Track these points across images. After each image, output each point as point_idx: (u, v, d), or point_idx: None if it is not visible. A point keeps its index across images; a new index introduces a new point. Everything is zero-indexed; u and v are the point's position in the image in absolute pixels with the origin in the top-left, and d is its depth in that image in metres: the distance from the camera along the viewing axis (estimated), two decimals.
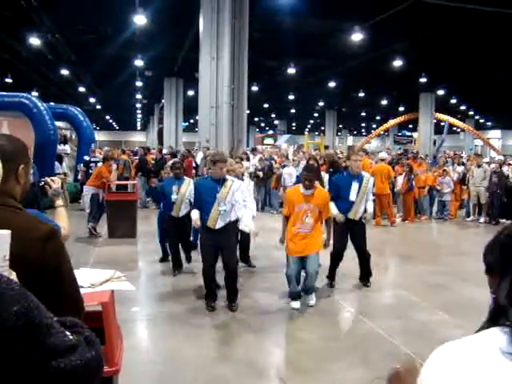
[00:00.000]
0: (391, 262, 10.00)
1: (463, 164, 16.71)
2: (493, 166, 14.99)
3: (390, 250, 10.67)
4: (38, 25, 18.83)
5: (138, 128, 70.19)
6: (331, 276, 7.57)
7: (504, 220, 13.81)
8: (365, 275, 7.64)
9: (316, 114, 53.53)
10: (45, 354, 1.06)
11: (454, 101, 38.83)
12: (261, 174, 15.59)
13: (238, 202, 6.45)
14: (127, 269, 7.16)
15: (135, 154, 22.18)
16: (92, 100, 41.96)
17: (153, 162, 17.55)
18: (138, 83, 32.05)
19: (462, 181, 15.40)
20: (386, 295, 7.54)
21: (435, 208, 15.55)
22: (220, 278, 6.73)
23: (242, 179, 8.09)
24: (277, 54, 23.34)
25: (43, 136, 14.39)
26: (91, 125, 21.64)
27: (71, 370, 1.10)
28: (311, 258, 6.36)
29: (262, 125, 65.75)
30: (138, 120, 63.64)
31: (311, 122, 62.69)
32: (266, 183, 16.06)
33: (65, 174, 16.08)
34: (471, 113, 48.38)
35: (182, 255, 8.48)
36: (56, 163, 15.66)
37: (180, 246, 8.40)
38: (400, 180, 14.49)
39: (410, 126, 47.85)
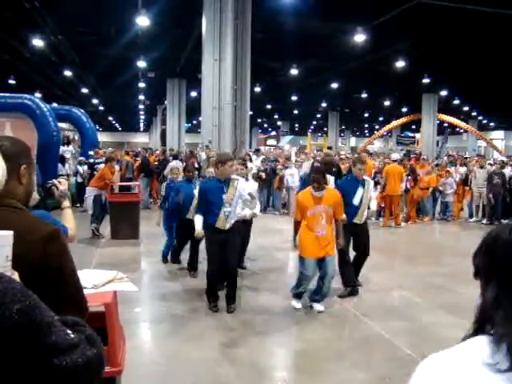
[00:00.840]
0: (393, 262, 9.99)
1: (466, 165, 16.69)
2: (493, 167, 15.00)
3: (393, 251, 10.66)
4: (41, 26, 18.86)
5: (141, 129, 70.19)
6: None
7: (506, 221, 13.78)
8: (356, 275, 7.62)
9: (319, 115, 53.47)
10: (46, 352, 1.07)
11: (456, 101, 38.77)
12: (263, 175, 15.60)
13: (244, 197, 6.48)
14: (130, 270, 7.17)
15: (136, 155, 22.22)
16: (95, 101, 42.01)
17: (156, 163, 17.58)
18: (141, 84, 32.05)
19: (465, 182, 15.39)
20: (388, 296, 7.53)
21: (438, 209, 15.54)
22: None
23: (247, 180, 8.09)
24: (279, 55, 23.35)
25: (46, 137, 14.41)
26: (94, 126, 21.66)
27: (73, 367, 1.11)
28: (330, 261, 6.30)
29: (265, 126, 65.75)
30: (141, 121, 63.65)
31: (314, 122, 62.66)
32: (269, 184, 16.07)
33: (67, 175, 16.09)
34: (474, 113, 48.27)
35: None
36: (59, 165, 15.69)
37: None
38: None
39: (413, 126, 47.78)
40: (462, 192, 15.49)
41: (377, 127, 57.01)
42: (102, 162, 13.80)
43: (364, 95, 36.17)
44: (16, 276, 1.28)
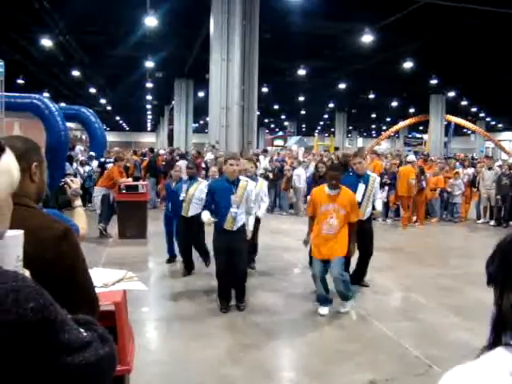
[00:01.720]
0: (401, 263, 9.96)
1: (473, 166, 16.64)
2: (498, 168, 14.95)
3: (400, 252, 10.63)
4: (50, 26, 18.95)
5: (149, 129, 70.37)
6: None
7: None
8: (360, 275, 7.60)
9: (326, 116, 53.46)
10: (60, 350, 1.08)
11: (464, 102, 38.67)
12: (271, 175, 15.61)
13: (252, 201, 6.47)
14: (137, 269, 7.18)
15: (144, 155, 22.27)
16: (103, 101, 42.14)
17: (163, 163, 17.63)
18: (149, 84, 32.14)
19: (472, 183, 15.34)
20: (395, 297, 7.53)
21: (445, 210, 15.51)
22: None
23: (256, 179, 8.09)
24: (287, 55, 23.37)
25: (55, 137, 14.46)
26: (103, 126, 21.72)
27: (86, 365, 1.12)
28: (335, 263, 6.15)
29: (272, 126, 65.75)
30: (149, 121, 63.80)
31: (321, 123, 62.63)
32: (276, 185, 16.08)
33: (74, 175, 16.14)
34: (482, 115, 48.15)
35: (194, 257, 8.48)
36: (66, 164, 15.74)
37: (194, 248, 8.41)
38: (412, 182, 14.53)
39: (421, 127, 47.68)
40: (469, 193, 15.44)
41: (384, 128, 56.90)
42: (111, 162, 13.84)
43: (371, 96, 36.15)
44: (27, 274, 1.29)
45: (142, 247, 10.45)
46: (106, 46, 22.24)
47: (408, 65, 24.16)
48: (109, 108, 46.61)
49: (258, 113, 19.34)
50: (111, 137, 53.88)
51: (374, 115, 51.71)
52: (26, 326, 1.02)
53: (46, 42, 20.54)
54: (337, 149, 30.83)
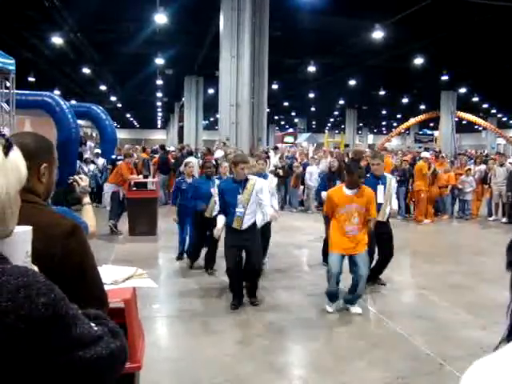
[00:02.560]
0: (412, 261, 9.93)
1: (485, 162, 16.51)
2: (510, 165, 14.83)
3: (411, 249, 10.58)
4: (61, 24, 19.03)
5: (159, 126, 70.54)
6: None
7: None
8: (377, 273, 7.54)
9: (336, 112, 53.35)
10: (71, 344, 1.08)
11: (475, 99, 38.41)
12: (281, 172, 15.58)
13: (263, 201, 6.44)
14: (148, 266, 7.19)
15: (154, 152, 22.30)
16: (113, 98, 42.28)
17: (173, 160, 17.67)
18: (159, 81, 32.17)
19: (484, 180, 15.23)
20: (406, 294, 7.49)
21: (457, 207, 15.42)
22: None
23: (266, 176, 8.07)
24: (297, 52, 23.33)
25: (65, 134, 14.51)
26: (113, 123, 21.77)
27: (97, 360, 1.12)
28: (361, 257, 6.08)
29: (282, 123, 65.69)
30: (159, 118, 63.96)
31: (331, 120, 62.51)
32: (286, 182, 16.05)
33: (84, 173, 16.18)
34: (494, 111, 47.84)
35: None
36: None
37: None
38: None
39: (431, 124, 47.44)
40: (481, 190, 15.33)
41: (394, 125, 56.70)
42: (122, 159, 13.89)
43: (382, 92, 35.98)
44: (36, 270, 1.29)
45: (152, 244, 10.47)
46: (116, 43, 22.28)
47: (419, 61, 24.03)
48: (119, 105, 46.76)
49: (268, 110, 19.29)
50: (121, 134, 54.00)
51: (384, 112, 51.51)
52: (38, 321, 1.02)
53: (57, 40, 20.60)
54: (347, 146, 30.69)
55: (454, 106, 34.89)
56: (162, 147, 19.62)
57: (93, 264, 1.79)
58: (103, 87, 35.54)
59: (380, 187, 7.24)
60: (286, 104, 45.66)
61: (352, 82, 31.52)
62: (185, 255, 8.91)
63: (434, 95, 35.02)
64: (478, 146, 46.95)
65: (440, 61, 25.11)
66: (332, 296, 6.32)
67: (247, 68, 15.73)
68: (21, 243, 1.27)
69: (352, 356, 5.08)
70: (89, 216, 3.10)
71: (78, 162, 16.75)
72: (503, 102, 40.43)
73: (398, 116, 53.53)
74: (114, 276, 3.27)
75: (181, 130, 35.33)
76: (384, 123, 66.01)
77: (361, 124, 58.68)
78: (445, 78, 28.84)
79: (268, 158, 15.34)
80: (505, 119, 53.90)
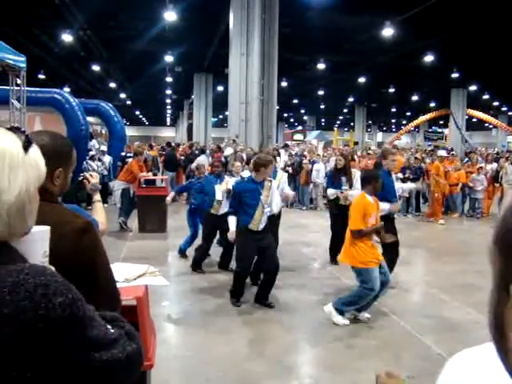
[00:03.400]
0: (422, 259, 9.90)
1: (496, 161, 16.40)
2: None
3: (420, 247, 10.54)
4: (70, 21, 19.09)
5: (168, 123, 70.65)
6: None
7: None
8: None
9: (345, 110, 53.20)
10: (88, 346, 1.07)
11: (486, 96, 38.19)
12: (290, 169, 15.55)
13: (284, 188, 6.47)
14: (158, 263, 7.18)
15: (164, 149, 22.33)
16: (122, 95, 42.39)
17: (182, 157, 17.67)
18: (168, 79, 32.24)
19: (495, 178, 15.13)
20: (416, 293, 7.46)
21: (467, 206, 15.33)
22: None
23: (275, 173, 8.07)
24: (306, 49, 23.27)
25: (75, 131, 14.54)
26: (122, 120, 21.81)
27: (113, 362, 1.12)
28: (383, 262, 5.85)
29: (291, 120, 65.62)
30: (168, 115, 64.07)
31: (340, 117, 62.39)
32: (296, 179, 16.01)
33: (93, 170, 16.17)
34: (504, 109, 47.54)
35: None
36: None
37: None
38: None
39: (441, 122, 47.22)
40: (492, 189, 15.23)
41: (404, 122, 56.50)
42: (131, 156, 13.89)
43: (391, 90, 35.85)
44: (53, 270, 1.28)
45: (162, 241, 10.47)
46: (126, 40, 22.32)
47: (429, 58, 23.92)
48: (128, 102, 46.87)
49: (278, 107, 19.27)
50: (130, 131, 54.22)
51: (393, 109, 51.32)
52: (55, 320, 1.01)
53: (67, 37, 20.68)
54: (356, 143, 30.63)
55: (464, 104, 34.71)
56: (169, 144, 19.61)
57: (105, 261, 1.79)
58: (113, 84, 35.65)
59: (396, 183, 7.19)
60: (295, 101, 45.58)
61: (361, 80, 31.45)
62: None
63: (444, 93, 34.86)
64: (488, 144, 46.62)
65: (450, 58, 24.97)
66: (365, 306, 5.94)
67: (257, 65, 15.72)
68: (39, 242, 1.26)
69: (362, 355, 5.06)
70: (99, 213, 3.10)
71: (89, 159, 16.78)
72: None
73: (408, 114, 53.34)
74: (125, 274, 3.27)
75: (190, 127, 35.40)
76: (393, 121, 65.79)
77: (370, 122, 58.47)
78: (455, 75, 28.69)
79: (278, 155, 15.34)
80: None
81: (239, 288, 6.50)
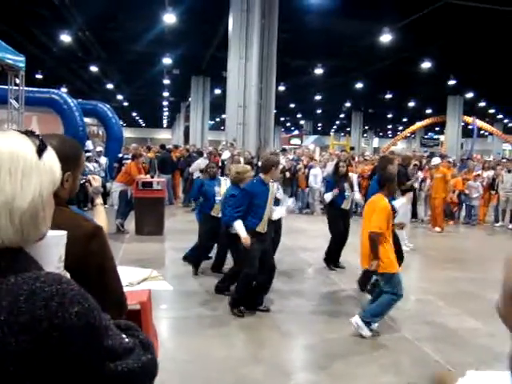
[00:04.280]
0: (418, 266, 9.90)
1: (493, 168, 16.46)
2: None
3: (418, 254, 10.54)
4: (70, 22, 19.06)
5: (165, 125, 70.60)
6: None
7: None
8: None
9: (342, 115, 53.26)
10: (103, 356, 1.06)
11: (482, 104, 38.32)
12: (288, 174, 15.55)
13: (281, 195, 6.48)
14: (155, 266, 7.14)
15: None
16: (119, 97, 42.32)
17: (181, 159, 17.64)
18: (166, 81, 32.22)
19: (491, 186, 15.17)
20: (415, 301, 7.46)
21: (463, 213, 15.37)
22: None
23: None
24: (305, 54, 23.30)
25: (72, 132, 14.52)
26: (119, 121, 21.78)
27: (128, 372, 1.10)
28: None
29: (288, 125, 65.65)
30: (165, 117, 64.03)
31: (337, 122, 62.42)
32: (292, 184, 16.00)
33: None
34: (500, 116, 47.70)
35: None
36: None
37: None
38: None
39: (437, 128, 47.34)
40: (488, 196, 15.28)
41: (400, 128, 56.62)
42: (129, 158, 13.86)
43: (388, 96, 35.93)
44: (68, 276, 1.27)
45: (159, 244, 10.45)
46: (124, 42, 22.30)
47: (426, 65, 24.02)
48: (125, 104, 46.81)
49: (275, 111, 19.28)
50: (127, 133, 54.07)
51: (390, 115, 51.42)
52: (70, 330, 1.00)
53: (65, 38, 20.64)
54: (352, 148, 30.63)
55: (460, 111, 34.82)
56: (163, 147, 19.49)
57: (113, 266, 1.79)
58: (110, 86, 35.60)
59: None
60: (292, 105, 45.60)
61: (359, 85, 31.50)
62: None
63: (440, 99, 34.96)
64: (483, 151, 46.76)
65: (447, 65, 25.06)
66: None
67: (255, 69, 15.71)
68: (55, 247, 1.25)
69: (361, 361, 5.06)
70: (101, 216, 3.08)
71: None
72: (510, 108, 40.30)
73: (404, 120, 53.45)
74: (129, 278, 3.27)
75: (187, 129, 35.39)
76: (390, 127, 65.91)
77: (366, 127, 58.58)
78: (451, 82, 28.79)
79: None
80: (511, 125, 53.69)
81: (244, 294, 6.29)
